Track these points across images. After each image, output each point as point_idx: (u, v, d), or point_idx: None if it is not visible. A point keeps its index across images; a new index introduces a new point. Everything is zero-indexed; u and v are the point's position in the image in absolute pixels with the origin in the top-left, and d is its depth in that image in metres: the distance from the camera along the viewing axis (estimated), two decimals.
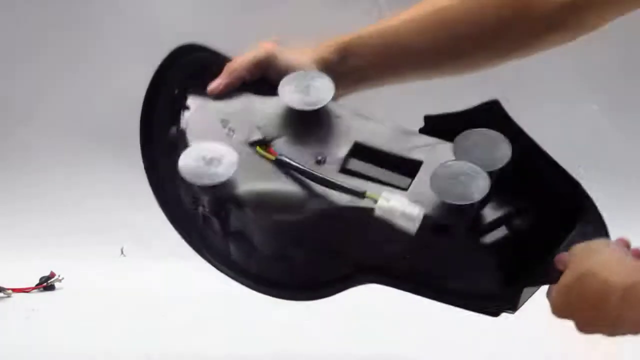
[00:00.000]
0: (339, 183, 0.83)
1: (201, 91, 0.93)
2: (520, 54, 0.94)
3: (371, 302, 1.54)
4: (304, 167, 0.84)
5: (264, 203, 0.85)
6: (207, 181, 0.84)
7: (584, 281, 0.76)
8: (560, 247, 0.82)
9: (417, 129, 0.90)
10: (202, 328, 1.49)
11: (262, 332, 1.47)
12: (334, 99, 0.90)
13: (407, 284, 0.87)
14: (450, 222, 0.81)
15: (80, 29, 2.26)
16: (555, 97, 2.29)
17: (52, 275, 1.72)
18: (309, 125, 0.89)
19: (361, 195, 0.82)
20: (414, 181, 0.84)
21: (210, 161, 0.84)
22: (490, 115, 0.86)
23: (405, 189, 0.84)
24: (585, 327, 0.78)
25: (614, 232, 2.20)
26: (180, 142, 0.90)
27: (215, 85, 0.92)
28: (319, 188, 0.84)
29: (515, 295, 0.82)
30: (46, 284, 1.71)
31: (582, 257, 0.78)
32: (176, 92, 0.94)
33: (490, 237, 0.84)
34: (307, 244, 0.86)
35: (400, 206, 0.79)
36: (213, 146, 0.86)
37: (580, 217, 0.84)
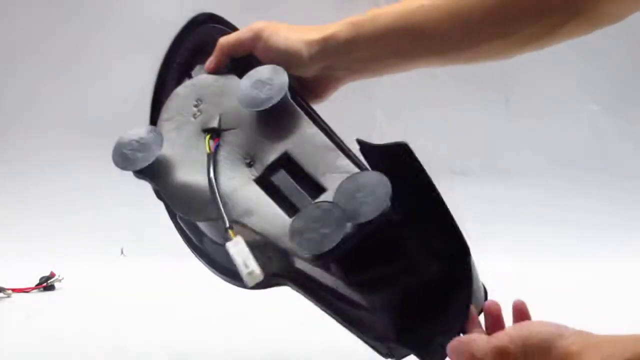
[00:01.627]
0: (219, 207, 0.83)
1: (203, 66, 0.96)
2: (538, 45, 0.92)
3: None
4: (211, 176, 0.86)
5: (176, 195, 0.88)
6: (130, 167, 0.89)
7: None
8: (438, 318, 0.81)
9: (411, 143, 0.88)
10: (202, 328, 1.49)
11: (262, 331, 1.47)
12: (321, 92, 0.90)
13: (315, 298, 0.89)
14: (316, 263, 0.80)
15: (79, 30, 2.26)
16: (555, 97, 2.29)
17: (52, 275, 1.72)
18: (260, 123, 0.89)
19: (226, 228, 0.83)
20: (301, 210, 0.83)
21: (139, 147, 0.90)
22: (400, 157, 0.84)
23: (291, 216, 0.84)
24: None
25: (615, 232, 2.21)
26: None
27: (208, 62, 0.93)
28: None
29: (402, 351, 0.84)
30: (46, 284, 1.71)
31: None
32: (184, 63, 0.96)
33: (374, 285, 0.82)
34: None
35: (240, 257, 0.79)
36: (137, 133, 0.87)
37: (454, 290, 0.82)
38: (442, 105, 2.21)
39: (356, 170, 0.85)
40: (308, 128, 0.88)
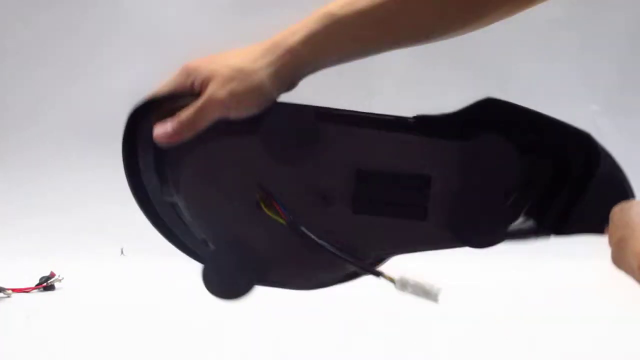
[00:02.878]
0: (357, 265, 0.80)
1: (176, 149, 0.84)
2: (509, 16, 0.90)
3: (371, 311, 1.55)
4: (317, 239, 0.79)
5: (290, 272, 0.83)
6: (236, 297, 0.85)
7: (619, 241, 0.75)
8: (582, 196, 0.83)
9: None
10: (202, 328, 1.49)
11: (263, 331, 1.47)
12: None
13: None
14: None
15: (82, 31, 2.26)
16: (555, 97, 2.29)
17: (52, 275, 1.72)
18: (297, 158, 0.82)
19: (378, 275, 0.79)
20: (429, 206, 0.80)
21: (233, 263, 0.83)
22: (489, 111, 0.83)
23: (422, 219, 0.81)
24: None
25: None
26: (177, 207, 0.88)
27: (163, 132, 0.81)
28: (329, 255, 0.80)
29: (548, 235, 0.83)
30: (46, 284, 1.71)
31: (619, 216, 0.77)
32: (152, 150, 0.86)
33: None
34: None
35: (416, 291, 0.79)
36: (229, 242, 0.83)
37: (596, 165, 0.85)
38: (442, 105, 2.21)
39: (433, 139, 0.83)
40: (355, 133, 0.83)
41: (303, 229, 0.79)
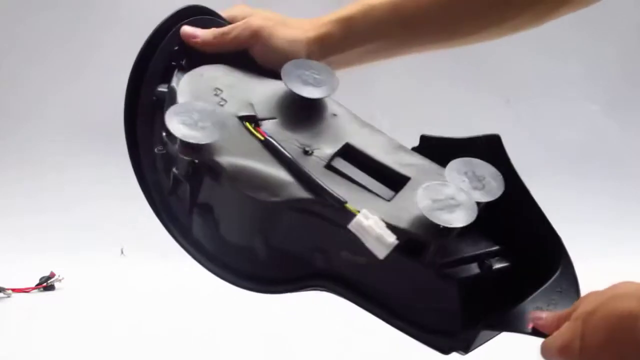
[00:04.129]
0: (320, 183, 0.80)
1: (199, 56, 0.90)
2: (531, 27, 0.91)
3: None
4: (291, 156, 0.82)
5: (242, 177, 0.81)
6: (191, 140, 0.81)
7: (610, 321, 0.67)
8: (528, 298, 0.79)
9: (411, 144, 0.88)
10: (202, 328, 1.49)
11: (263, 331, 1.47)
12: (334, 87, 0.88)
13: (362, 299, 0.84)
14: (425, 240, 0.77)
15: (81, 30, 2.26)
16: (555, 97, 2.29)
17: (52, 275, 1.72)
18: (302, 115, 0.86)
19: (340, 203, 0.79)
20: (397, 194, 0.81)
21: (196, 122, 0.81)
22: (488, 148, 0.82)
23: (387, 200, 0.81)
24: None
25: (615, 232, 2.20)
26: (168, 99, 0.88)
27: (192, 33, 0.88)
28: (301, 180, 0.81)
29: (471, 336, 0.79)
30: (46, 284, 1.71)
31: (607, 297, 0.70)
32: (176, 48, 0.91)
33: (459, 271, 0.80)
34: (273, 234, 0.85)
35: (377, 229, 0.76)
36: (201, 107, 0.83)
37: (553, 273, 0.80)
38: (442, 105, 2.21)
39: (429, 162, 0.83)
40: (360, 124, 0.86)
41: (278, 144, 0.82)
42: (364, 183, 0.82)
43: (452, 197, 0.78)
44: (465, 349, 0.80)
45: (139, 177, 0.91)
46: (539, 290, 0.79)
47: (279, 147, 0.82)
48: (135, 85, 0.91)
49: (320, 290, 0.86)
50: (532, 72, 2.29)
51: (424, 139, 0.87)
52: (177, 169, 0.85)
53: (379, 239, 0.76)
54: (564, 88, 2.31)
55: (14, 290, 1.67)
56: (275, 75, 0.87)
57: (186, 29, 0.87)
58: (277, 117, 0.85)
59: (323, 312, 1.49)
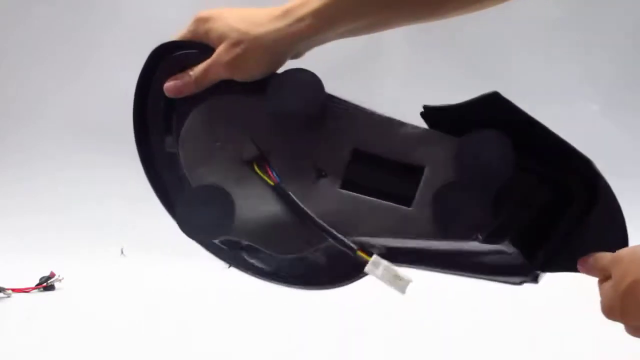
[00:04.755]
0: (332, 233, 0.80)
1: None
2: None
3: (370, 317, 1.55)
4: (301, 205, 0.81)
5: (260, 240, 0.83)
6: (211, 236, 0.82)
7: (633, 284, 0.73)
8: (576, 231, 0.82)
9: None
10: (202, 328, 1.49)
11: (263, 331, 1.47)
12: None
13: (431, 261, 0.85)
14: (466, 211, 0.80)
15: (82, 31, 2.26)
16: (555, 97, 2.30)
17: (52, 275, 1.72)
18: (302, 130, 0.84)
19: (353, 251, 0.80)
20: (417, 195, 0.81)
21: (208, 206, 0.82)
22: (493, 108, 0.83)
23: (408, 206, 0.81)
24: (633, 331, 0.76)
25: None
26: (175, 159, 0.88)
27: (175, 90, 0.86)
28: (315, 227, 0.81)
29: (537, 275, 0.84)
30: (46, 284, 1.71)
31: (633, 259, 0.76)
32: (163, 96, 0.90)
33: (512, 216, 0.82)
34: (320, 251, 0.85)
35: (388, 275, 0.79)
36: (207, 186, 0.82)
37: (595, 200, 0.84)
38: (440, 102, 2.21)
39: (437, 134, 0.83)
40: (361, 116, 0.85)
41: (289, 192, 0.81)
42: (382, 187, 0.82)
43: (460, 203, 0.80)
44: (534, 280, 0.84)
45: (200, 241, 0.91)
46: (583, 226, 0.82)
47: (290, 195, 0.82)
48: (141, 135, 0.91)
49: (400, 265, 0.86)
50: (532, 72, 2.29)
51: (426, 109, 0.86)
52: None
53: (395, 282, 0.78)
54: (563, 88, 2.31)
55: (14, 290, 1.67)
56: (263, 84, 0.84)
57: (169, 88, 0.87)
58: (278, 144, 0.83)
59: (323, 313, 1.49)
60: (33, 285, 1.70)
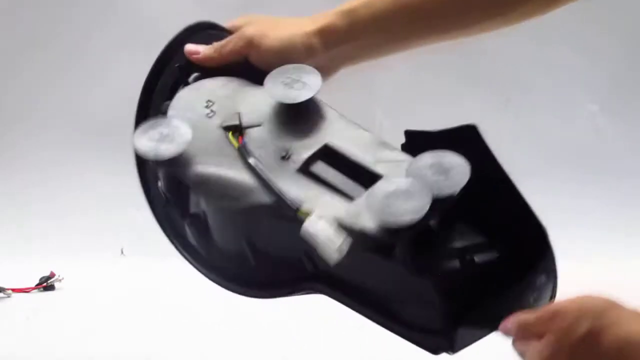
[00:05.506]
0: (277, 188, 0.81)
1: (205, 70, 0.94)
2: (535, 17, 0.91)
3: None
4: (257, 163, 0.84)
5: (206, 186, 0.85)
6: (152, 156, 0.84)
7: (590, 339, 0.67)
8: (510, 294, 0.78)
9: (399, 143, 0.88)
10: (202, 328, 1.49)
11: (262, 333, 1.47)
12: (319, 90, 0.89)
13: (350, 300, 0.84)
14: (388, 242, 0.76)
15: (81, 30, 2.26)
16: (555, 97, 2.29)
17: (52, 275, 1.72)
18: (288, 119, 0.88)
19: (294, 209, 0.80)
20: (365, 194, 0.80)
21: (163, 137, 0.84)
22: (466, 139, 0.81)
23: (352, 199, 0.81)
24: None
25: (615, 233, 2.20)
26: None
27: (194, 49, 0.92)
28: (263, 186, 0.83)
29: (454, 335, 0.78)
30: (46, 284, 1.71)
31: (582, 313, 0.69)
32: (177, 65, 0.95)
33: (437, 266, 0.79)
34: (257, 239, 0.86)
35: (324, 233, 0.75)
36: (169, 122, 0.87)
37: (535, 266, 0.79)
38: (442, 105, 2.21)
39: (410, 158, 0.82)
40: (345, 123, 0.88)
41: (246, 152, 0.84)
42: (337, 183, 0.83)
43: (401, 192, 0.76)
44: (451, 348, 0.78)
45: (145, 190, 0.95)
46: (517, 288, 0.78)
47: (248, 153, 0.84)
48: (145, 101, 0.95)
49: (311, 293, 0.86)
50: (532, 72, 2.29)
51: (407, 134, 0.88)
52: (160, 183, 0.89)
53: (328, 243, 0.75)
54: (563, 88, 2.31)
55: (14, 290, 1.67)
56: None
57: (189, 47, 0.92)
58: (263, 124, 0.87)
59: (322, 314, 1.49)
60: (33, 285, 1.70)
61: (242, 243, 0.86)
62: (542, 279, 0.80)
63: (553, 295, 0.81)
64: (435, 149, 0.80)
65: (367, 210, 0.78)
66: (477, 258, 0.80)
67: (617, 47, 2.33)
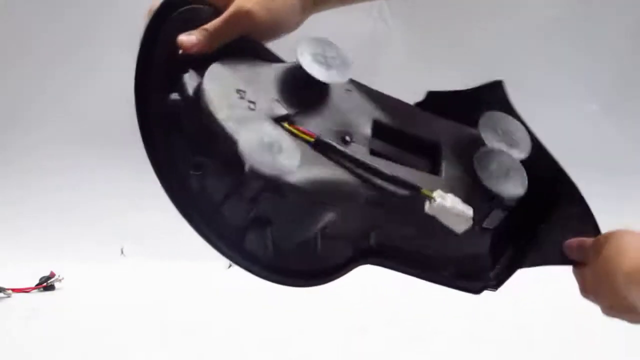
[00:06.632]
0: (392, 175, 0.79)
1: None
2: None
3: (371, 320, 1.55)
4: (351, 154, 0.79)
5: (318, 192, 0.78)
6: (276, 172, 0.74)
7: (604, 266, 0.78)
8: (544, 226, 0.86)
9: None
10: (202, 328, 1.49)
11: (262, 332, 1.47)
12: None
13: (403, 265, 0.86)
14: (483, 211, 0.81)
15: (80, 29, 2.26)
16: (555, 97, 2.30)
17: (52, 275, 1.72)
18: (321, 98, 0.83)
19: (417, 190, 0.79)
20: (443, 167, 0.83)
21: (270, 146, 0.75)
22: (493, 96, 0.85)
23: (437, 175, 0.82)
24: (607, 310, 0.81)
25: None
26: (193, 110, 0.83)
27: (189, 45, 0.81)
28: (372, 175, 0.79)
29: (502, 273, 0.86)
30: (46, 284, 1.71)
31: (606, 244, 0.81)
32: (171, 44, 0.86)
33: (490, 221, 0.84)
34: (332, 226, 0.84)
35: (455, 207, 0.78)
36: (264, 128, 0.77)
37: (563, 200, 0.87)
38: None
39: (450, 122, 0.86)
40: (372, 94, 0.85)
41: (332, 142, 0.78)
42: (405, 159, 0.83)
43: (511, 168, 0.82)
44: (497, 285, 0.86)
45: (176, 201, 0.85)
46: (551, 219, 0.86)
47: (336, 146, 0.79)
48: (142, 93, 0.87)
49: (366, 264, 0.87)
50: (532, 72, 2.29)
51: (430, 94, 0.88)
52: (243, 192, 0.81)
53: (458, 216, 0.78)
54: (563, 87, 2.31)
55: (14, 290, 1.67)
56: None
57: (183, 41, 0.82)
58: (300, 108, 0.81)
59: (323, 313, 1.49)
60: (33, 285, 1.70)
61: (316, 234, 0.83)
62: (572, 210, 0.87)
63: (591, 223, 0.88)
64: (460, 107, 0.84)
65: (461, 179, 0.81)
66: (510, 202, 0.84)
67: (617, 48, 2.33)
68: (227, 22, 0.82)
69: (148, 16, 0.87)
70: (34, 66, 2.25)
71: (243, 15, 0.81)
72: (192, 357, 1.37)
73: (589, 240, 0.84)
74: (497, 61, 2.29)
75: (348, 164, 0.79)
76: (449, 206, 0.78)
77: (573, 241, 0.85)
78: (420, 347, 1.38)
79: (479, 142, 0.84)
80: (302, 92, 0.82)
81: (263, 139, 0.75)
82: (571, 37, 2.29)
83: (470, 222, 0.78)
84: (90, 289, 1.73)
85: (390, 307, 1.57)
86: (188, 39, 0.82)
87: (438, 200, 0.78)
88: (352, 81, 0.85)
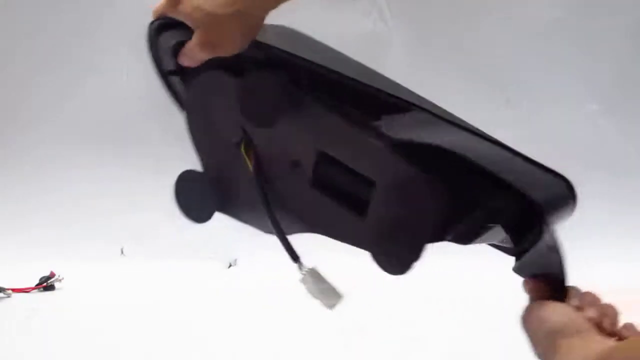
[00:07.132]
0: (283, 239, 0.86)
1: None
2: None
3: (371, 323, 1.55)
4: (268, 201, 0.86)
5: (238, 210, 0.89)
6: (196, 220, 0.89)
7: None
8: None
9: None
10: (202, 328, 1.49)
11: (261, 332, 1.47)
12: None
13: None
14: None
15: (78, 28, 2.26)
16: (555, 97, 2.29)
17: (52, 275, 1.72)
18: (288, 118, 0.84)
19: (295, 259, 0.86)
20: (370, 207, 0.81)
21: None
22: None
23: (363, 216, 0.82)
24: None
25: (614, 232, 2.20)
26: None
27: (191, 61, 0.90)
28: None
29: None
30: (46, 284, 1.71)
31: None
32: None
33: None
34: None
35: (317, 292, 0.85)
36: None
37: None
38: (442, 104, 2.21)
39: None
40: (322, 114, 0.84)
41: (261, 184, 0.86)
42: (342, 190, 0.83)
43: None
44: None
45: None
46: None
47: (260, 188, 0.87)
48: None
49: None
50: (532, 72, 2.29)
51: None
52: None
53: (327, 295, 0.86)
54: (563, 87, 2.31)
55: (14, 290, 1.67)
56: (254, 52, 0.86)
57: (182, 59, 0.90)
58: (260, 123, 0.86)
59: (323, 313, 1.49)
60: (33, 285, 1.70)
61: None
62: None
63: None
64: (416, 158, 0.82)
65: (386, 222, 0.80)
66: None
67: (617, 48, 2.33)
68: (193, 48, 0.87)
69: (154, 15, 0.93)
70: (33, 66, 2.25)
71: (201, 47, 0.86)
72: (192, 357, 1.37)
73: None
74: (497, 61, 2.29)
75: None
76: (310, 289, 0.85)
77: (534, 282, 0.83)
78: (421, 347, 1.38)
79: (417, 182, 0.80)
80: (252, 113, 0.86)
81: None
82: (571, 37, 2.29)
83: (339, 302, 0.85)
84: (90, 289, 1.74)
85: (390, 307, 1.57)
86: (183, 57, 0.90)
87: (303, 281, 0.85)
88: (324, 102, 0.84)
